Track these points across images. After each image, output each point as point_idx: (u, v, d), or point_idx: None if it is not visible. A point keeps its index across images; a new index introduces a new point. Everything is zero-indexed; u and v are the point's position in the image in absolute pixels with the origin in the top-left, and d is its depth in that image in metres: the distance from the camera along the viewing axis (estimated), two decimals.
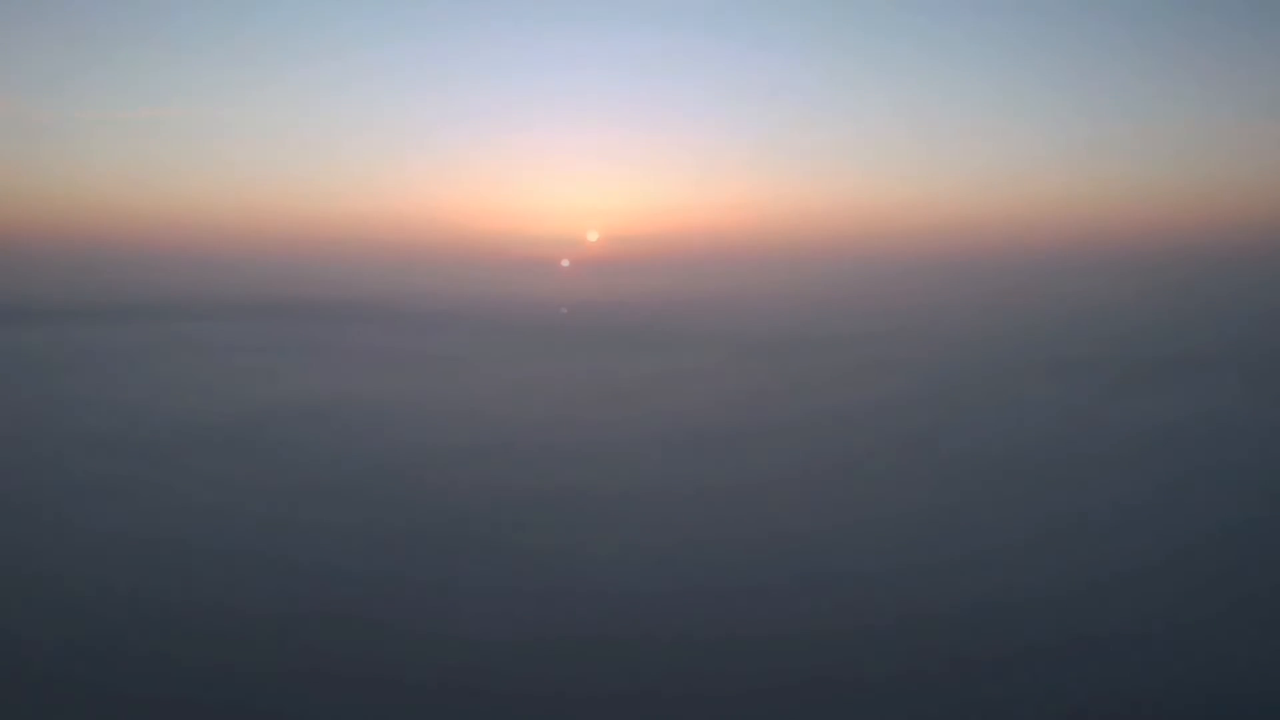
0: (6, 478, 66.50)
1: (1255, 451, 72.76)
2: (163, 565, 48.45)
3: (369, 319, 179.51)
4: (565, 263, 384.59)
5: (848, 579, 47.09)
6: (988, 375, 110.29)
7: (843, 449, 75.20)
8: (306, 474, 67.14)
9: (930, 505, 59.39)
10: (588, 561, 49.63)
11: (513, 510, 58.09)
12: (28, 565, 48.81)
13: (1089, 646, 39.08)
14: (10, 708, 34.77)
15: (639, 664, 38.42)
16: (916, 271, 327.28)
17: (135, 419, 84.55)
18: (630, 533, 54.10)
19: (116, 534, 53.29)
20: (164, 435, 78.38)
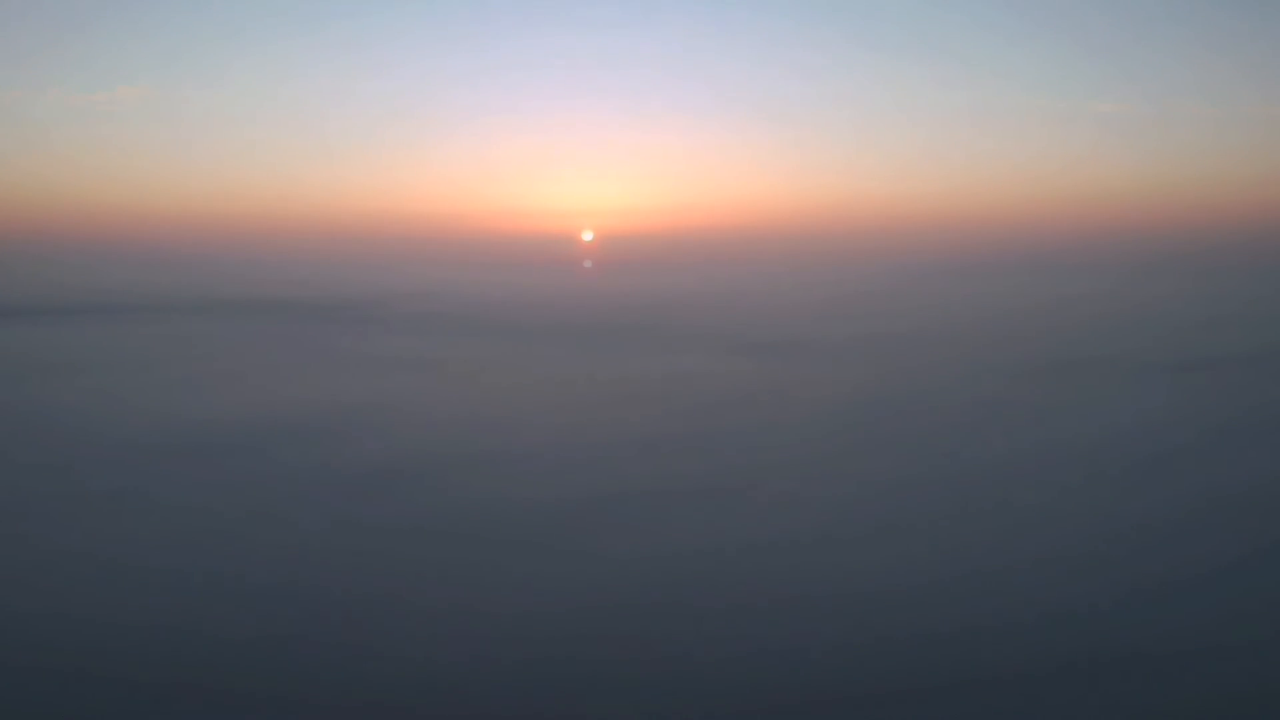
0: None
1: None
2: (126, 584, 46.78)
3: (348, 319, 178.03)
4: (587, 263, 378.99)
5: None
6: (1010, 377, 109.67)
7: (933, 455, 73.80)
8: (288, 486, 66.44)
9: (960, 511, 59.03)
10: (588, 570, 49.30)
11: (521, 516, 57.66)
12: None
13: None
14: None
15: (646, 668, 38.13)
16: (944, 271, 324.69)
17: (112, 425, 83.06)
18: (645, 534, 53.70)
19: (81, 552, 51.43)
20: (141, 443, 76.13)
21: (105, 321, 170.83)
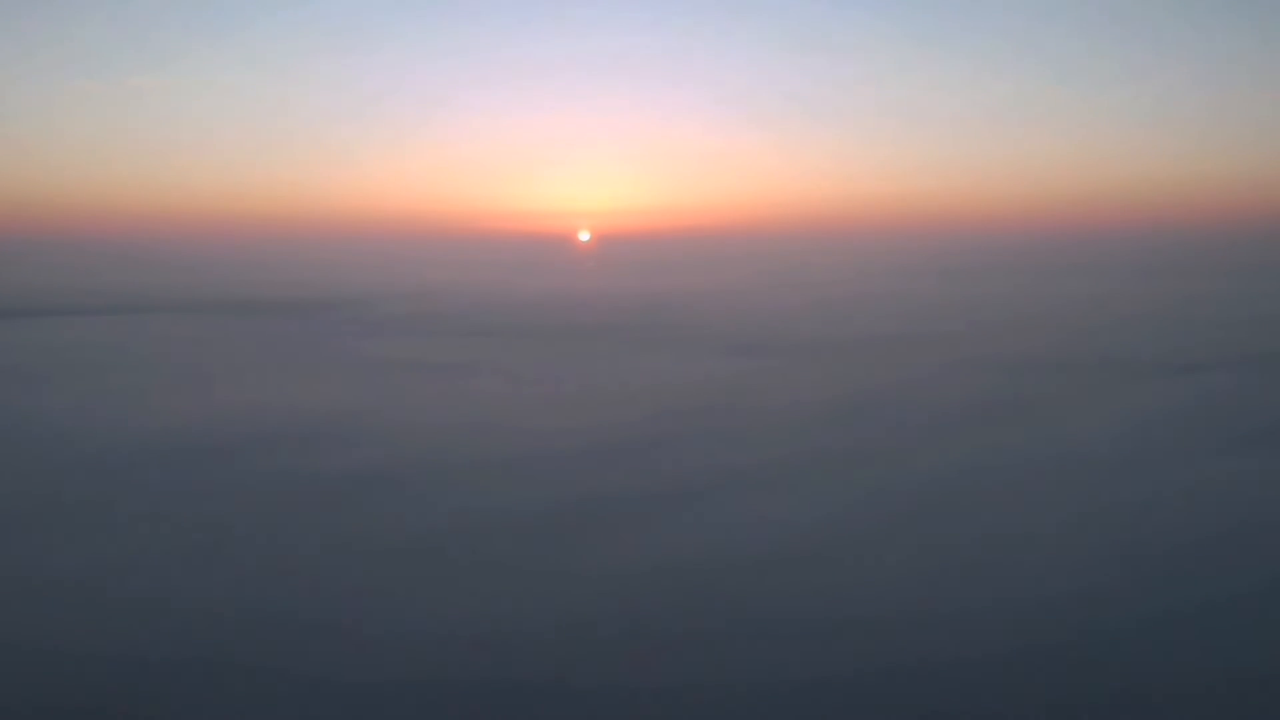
0: None
1: None
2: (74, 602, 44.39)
3: (341, 319, 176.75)
4: (586, 264, 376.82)
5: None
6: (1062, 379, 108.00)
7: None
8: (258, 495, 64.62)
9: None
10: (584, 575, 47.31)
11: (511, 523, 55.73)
12: None
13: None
14: None
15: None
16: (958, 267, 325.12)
17: (87, 430, 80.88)
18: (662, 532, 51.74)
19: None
20: (114, 450, 73.48)
21: (81, 323, 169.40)
